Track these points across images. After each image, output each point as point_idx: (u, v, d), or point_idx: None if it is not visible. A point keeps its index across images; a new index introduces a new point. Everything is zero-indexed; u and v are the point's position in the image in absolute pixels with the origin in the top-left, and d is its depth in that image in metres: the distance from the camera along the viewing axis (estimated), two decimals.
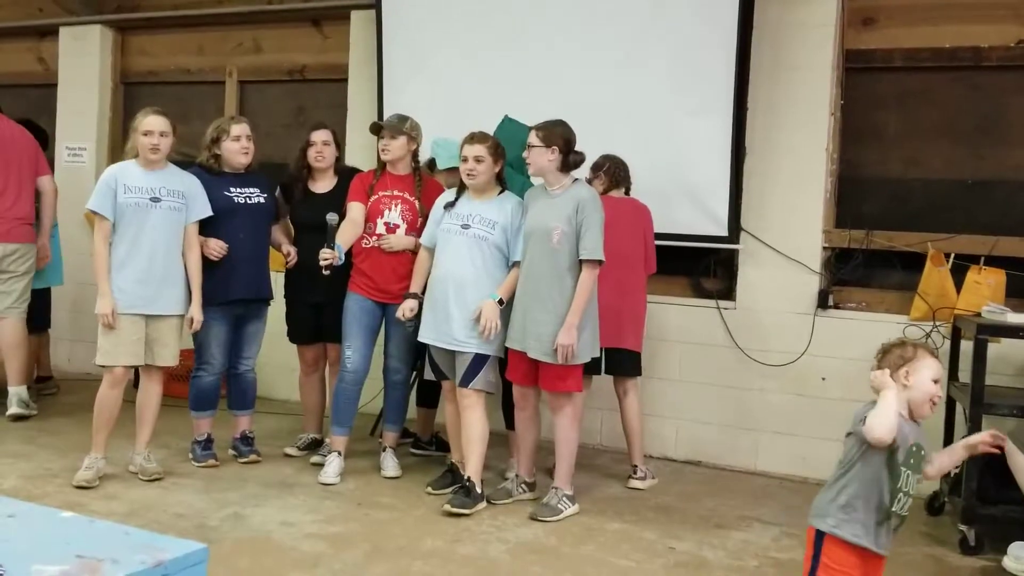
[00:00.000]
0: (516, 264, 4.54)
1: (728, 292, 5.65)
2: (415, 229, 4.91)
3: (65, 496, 4.41)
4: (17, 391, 5.88)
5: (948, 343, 4.92)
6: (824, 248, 5.42)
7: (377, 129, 4.99)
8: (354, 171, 5.23)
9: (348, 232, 4.81)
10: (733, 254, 5.59)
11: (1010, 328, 4.38)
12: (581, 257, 4.34)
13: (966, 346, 4.57)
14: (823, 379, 5.35)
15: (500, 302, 4.47)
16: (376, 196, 4.92)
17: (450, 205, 4.63)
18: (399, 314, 4.72)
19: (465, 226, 4.53)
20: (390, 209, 4.91)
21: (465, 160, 4.53)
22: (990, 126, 5.23)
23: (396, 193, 4.92)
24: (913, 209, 5.38)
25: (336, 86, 6.78)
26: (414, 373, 5.25)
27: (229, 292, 4.92)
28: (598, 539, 4.22)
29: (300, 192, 5.25)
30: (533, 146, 4.43)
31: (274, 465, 5.15)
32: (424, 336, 4.65)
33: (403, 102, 5.93)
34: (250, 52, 7.24)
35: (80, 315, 6.83)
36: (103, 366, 4.67)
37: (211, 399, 5.08)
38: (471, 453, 4.54)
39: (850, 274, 5.39)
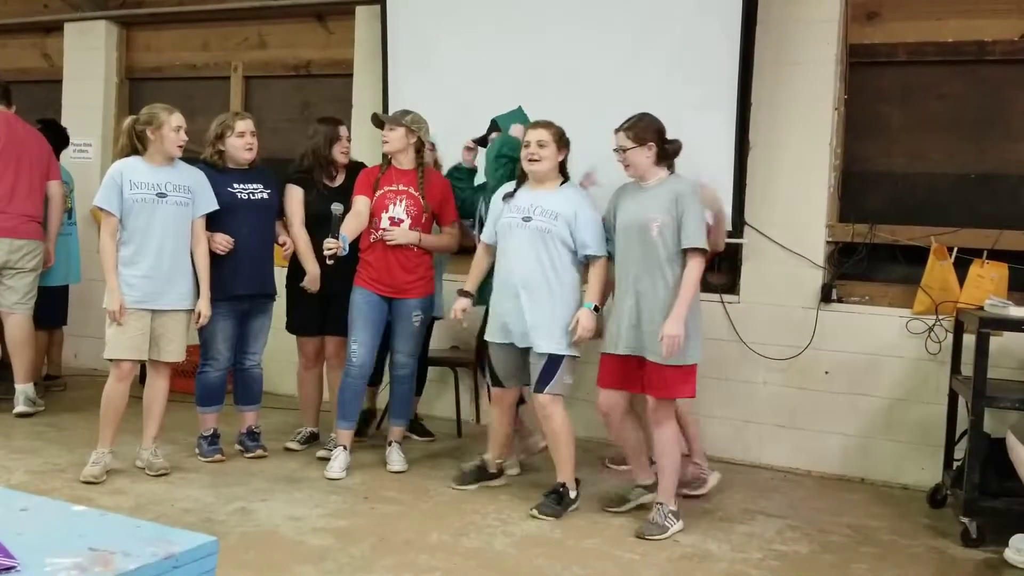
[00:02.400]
0: (592, 260, 4.38)
1: (732, 286, 5.66)
2: (420, 223, 4.92)
3: (72, 491, 4.44)
4: (24, 389, 5.91)
5: (951, 337, 4.93)
6: (828, 242, 5.43)
7: (378, 122, 5.01)
8: (361, 165, 5.27)
9: (352, 224, 4.82)
10: (737, 248, 5.60)
11: (1012, 322, 4.38)
12: (684, 246, 4.11)
13: (969, 340, 4.57)
14: (826, 373, 5.36)
15: (596, 309, 4.33)
16: (381, 191, 4.93)
17: (509, 196, 4.50)
18: (452, 314, 4.64)
19: (527, 218, 4.37)
20: (395, 204, 4.92)
21: (527, 145, 4.39)
22: (994, 120, 5.23)
23: (400, 188, 4.93)
24: (916, 203, 5.39)
25: (341, 81, 6.81)
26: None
27: (234, 288, 4.95)
28: (603, 532, 4.24)
29: (321, 186, 5.24)
30: (626, 148, 4.22)
31: (280, 460, 5.17)
32: (491, 335, 4.54)
33: (408, 97, 5.95)
34: (255, 47, 7.26)
35: (87, 311, 6.85)
36: (110, 360, 4.70)
37: (217, 394, 5.11)
38: (561, 460, 4.43)
39: (853, 268, 5.40)
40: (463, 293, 4.65)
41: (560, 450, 4.43)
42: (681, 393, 4.20)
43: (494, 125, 5.13)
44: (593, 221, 4.38)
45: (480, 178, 5.24)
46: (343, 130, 5.29)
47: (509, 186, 4.56)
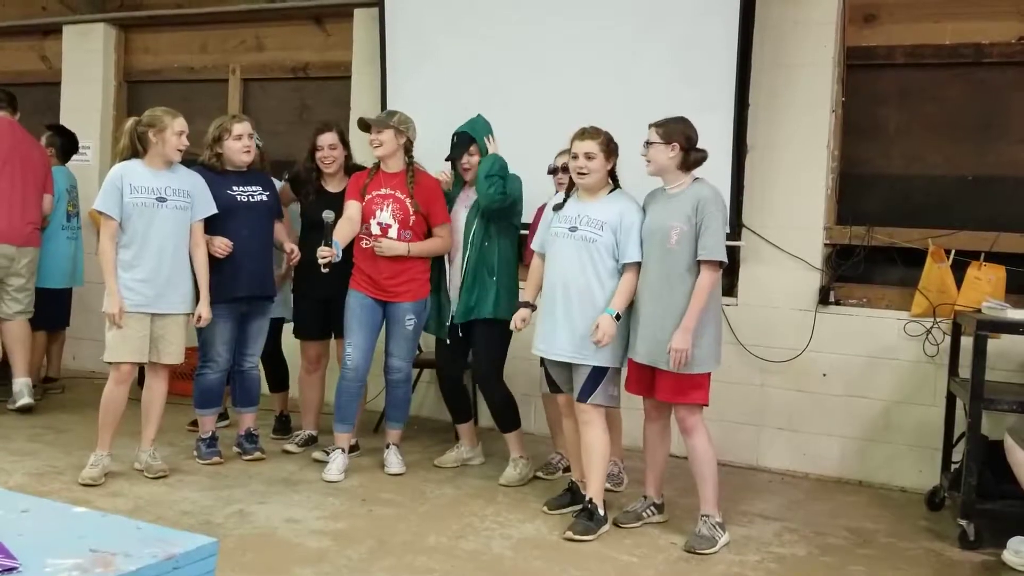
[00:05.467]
0: (627, 267, 4.22)
1: (730, 289, 5.65)
2: (408, 227, 4.92)
3: (71, 493, 4.44)
4: (25, 381, 5.99)
5: (948, 339, 4.94)
6: (825, 244, 5.44)
7: (365, 126, 5.01)
8: (361, 168, 5.26)
9: (345, 229, 4.83)
10: (735, 251, 5.59)
11: (1010, 324, 4.39)
12: (699, 258, 4.02)
13: (966, 342, 4.58)
14: (824, 375, 5.37)
15: (617, 317, 4.16)
16: (369, 196, 4.94)
17: (559, 207, 4.39)
18: (512, 325, 4.57)
19: (573, 228, 4.28)
20: (382, 209, 4.92)
21: (575, 157, 4.27)
22: (991, 122, 5.25)
23: (387, 192, 4.93)
24: (914, 205, 5.40)
25: (339, 83, 6.82)
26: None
27: (234, 290, 4.94)
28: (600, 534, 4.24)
29: (312, 192, 5.29)
30: (652, 143, 4.14)
31: (278, 462, 5.17)
32: (537, 348, 4.44)
33: (406, 99, 5.96)
34: (253, 50, 7.26)
35: (86, 313, 6.86)
36: (109, 363, 4.70)
37: (215, 397, 5.11)
38: (592, 473, 4.29)
39: (851, 270, 5.41)
40: (523, 304, 4.56)
41: (593, 463, 4.28)
42: (693, 399, 4.11)
43: (463, 139, 5.00)
44: (636, 227, 4.23)
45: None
46: (322, 138, 5.27)
47: (558, 197, 4.49)
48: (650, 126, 4.20)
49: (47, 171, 6.25)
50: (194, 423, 5.43)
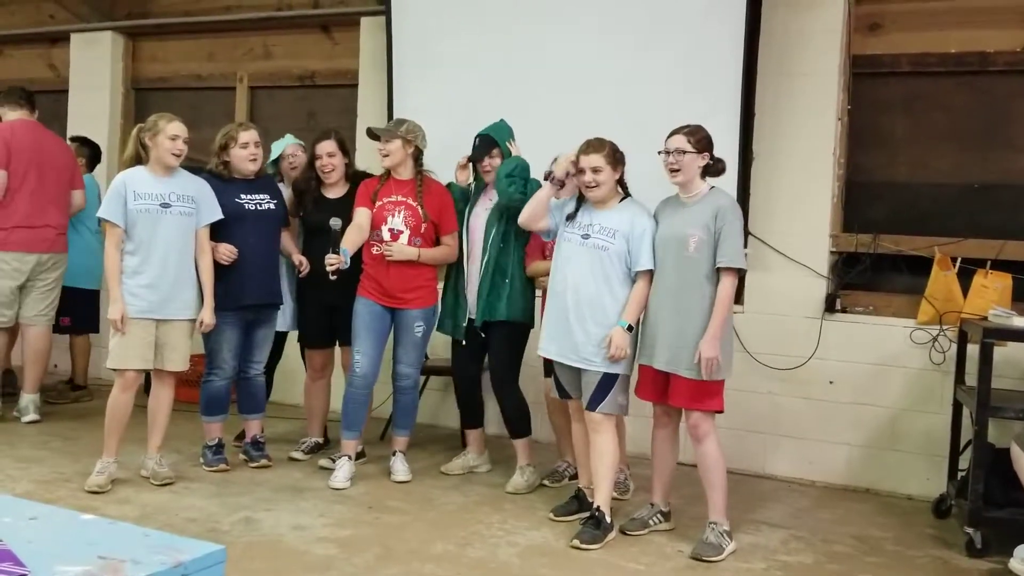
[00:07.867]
0: (639, 275, 4.24)
1: (736, 297, 5.59)
2: (419, 234, 4.93)
3: (77, 500, 4.45)
4: (33, 398, 6.01)
5: (955, 347, 4.93)
6: (831, 252, 5.44)
7: (374, 135, 5.03)
8: (364, 175, 5.28)
9: (353, 236, 4.84)
10: None
11: (1016, 332, 4.39)
12: (719, 265, 4.07)
13: (972, 350, 4.58)
14: (831, 383, 5.36)
15: (629, 328, 4.20)
16: (380, 203, 4.95)
17: (571, 216, 4.37)
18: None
19: (585, 236, 4.28)
20: (393, 215, 4.93)
21: (582, 172, 4.26)
22: (996, 130, 5.25)
23: (399, 199, 4.95)
24: (920, 213, 5.39)
25: (346, 91, 6.84)
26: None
27: (240, 297, 4.95)
28: (607, 542, 4.23)
29: (312, 199, 5.30)
30: (686, 151, 4.14)
31: (284, 469, 5.18)
32: (546, 350, 4.44)
33: (412, 107, 5.97)
34: (260, 58, 7.29)
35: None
36: (114, 370, 4.71)
37: (222, 403, 5.11)
38: (601, 480, 4.26)
39: (857, 278, 5.40)
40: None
41: (602, 471, 4.26)
42: (710, 405, 4.14)
43: (485, 141, 5.03)
44: (648, 235, 4.24)
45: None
46: (321, 147, 5.27)
47: (570, 205, 4.45)
48: (678, 133, 4.19)
49: (73, 168, 6.23)
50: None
